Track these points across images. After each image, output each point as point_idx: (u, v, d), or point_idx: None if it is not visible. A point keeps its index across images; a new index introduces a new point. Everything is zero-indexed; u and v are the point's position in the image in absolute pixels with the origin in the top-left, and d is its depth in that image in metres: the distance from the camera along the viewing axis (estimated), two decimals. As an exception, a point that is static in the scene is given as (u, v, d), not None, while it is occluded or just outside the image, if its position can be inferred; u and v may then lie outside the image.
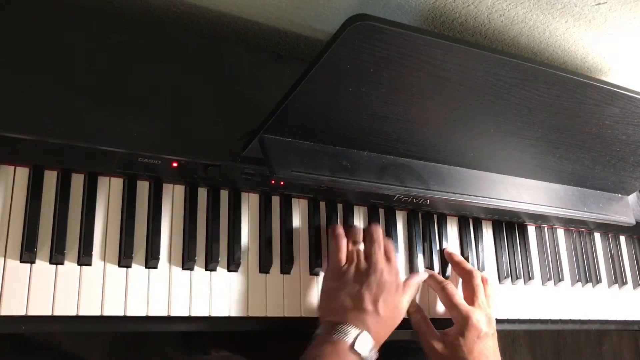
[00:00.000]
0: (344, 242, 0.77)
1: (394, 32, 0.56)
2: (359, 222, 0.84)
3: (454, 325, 0.79)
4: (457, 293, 0.81)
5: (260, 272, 0.74)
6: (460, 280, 0.86)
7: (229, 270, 0.72)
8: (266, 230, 0.76)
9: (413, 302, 0.82)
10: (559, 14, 0.80)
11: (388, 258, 0.76)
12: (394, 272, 0.75)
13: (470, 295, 0.81)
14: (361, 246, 0.78)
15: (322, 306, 0.74)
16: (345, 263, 0.75)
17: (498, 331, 0.81)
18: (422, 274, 0.82)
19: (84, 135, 0.62)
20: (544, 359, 1.93)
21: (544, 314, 0.95)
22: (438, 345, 0.78)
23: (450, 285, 0.81)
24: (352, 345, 0.66)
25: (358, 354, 0.66)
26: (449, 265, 0.88)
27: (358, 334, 0.67)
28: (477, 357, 0.76)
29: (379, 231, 0.78)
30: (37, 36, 0.66)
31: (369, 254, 0.75)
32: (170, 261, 0.69)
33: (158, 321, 0.67)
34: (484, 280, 0.84)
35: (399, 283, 0.75)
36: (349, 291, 0.71)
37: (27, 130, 0.60)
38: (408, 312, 0.80)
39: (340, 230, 0.78)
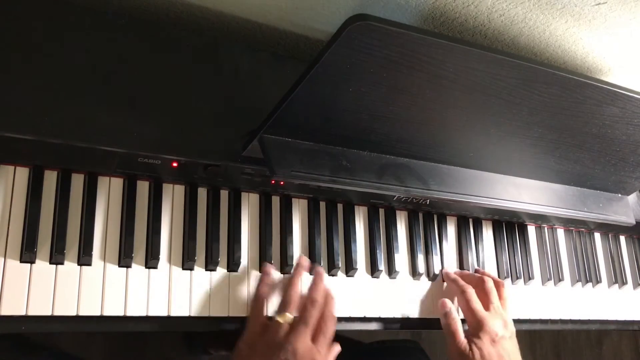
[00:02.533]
0: (264, 305, 0.71)
1: (394, 32, 0.56)
2: (359, 222, 0.84)
3: (470, 331, 0.80)
4: (475, 298, 0.81)
5: (261, 272, 0.74)
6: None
7: (228, 270, 0.72)
8: (266, 230, 0.76)
9: (443, 302, 0.81)
10: (559, 14, 0.80)
11: (315, 339, 0.68)
12: (315, 356, 0.67)
13: (485, 301, 0.82)
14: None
15: None
16: (267, 328, 0.68)
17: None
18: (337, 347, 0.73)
19: (84, 135, 0.62)
20: (544, 359, 1.93)
21: (544, 314, 0.95)
22: (457, 349, 0.78)
23: (470, 290, 0.82)
24: None
25: None
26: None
27: None
28: None
29: (317, 308, 0.70)
30: (37, 36, 0.66)
31: (293, 326, 0.68)
32: (170, 261, 0.69)
33: (158, 321, 0.67)
34: (497, 284, 0.84)
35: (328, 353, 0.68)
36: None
37: (27, 130, 0.60)
38: (441, 320, 0.81)
39: (264, 286, 0.72)
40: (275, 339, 0.66)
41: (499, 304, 0.82)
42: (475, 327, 0.79)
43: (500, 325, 0.79)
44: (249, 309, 0.71)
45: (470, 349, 0.77)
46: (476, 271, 0.89)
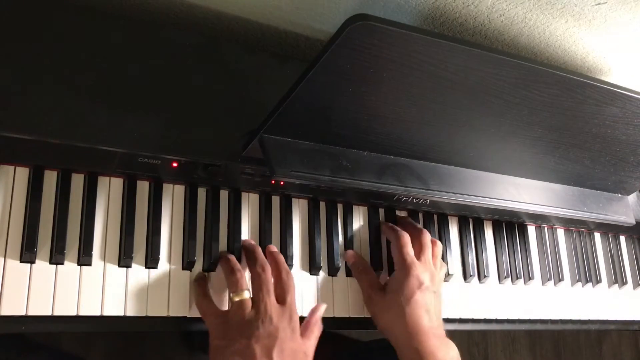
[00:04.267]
0: (209, 299, 0.68)
1: (394, 32, 0.56)
2: (359, 222, 0.84)
3: (395, 273, 0.78)
4: (410, 245, 0.79)
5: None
6: None
7: (229, 270, 0.72)
8: (266, 230, 0.76)
9: (350, 252, 0.81)
10: (559, 14, 0.80)
11: (282, 299, 0.68)
12: (288, 316, 0.66)
13: (418, 251, 0.80)
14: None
15: None
16: (226, 314, 0.67)
17: (498, 331, 0.81)
18: (323, 306, 0.73)
19: (84, 135, 0.62)
20: (544, 359, 1.94)
21: (544, 314, 0.95)
22: (377, 293, 0.77)
23: (407, 237, 0.80)
24: None
25: None
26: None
27: None
28: (414, 307, 0.74)
29: (267, 271, 0.69)
30: (37, 36, 0.66)
31: (255, 299, 0.67)
32: (170, 261, 0.69)
33: (158, 321, 0.67)
34: (433, 242, 0.82)
35: (295, 327, 0.67)
36: (237, 349, 0.63)
37: (27, 130, 0.60)
38: (348, 263, 0.80)
39: (200, 282, 0.69)
40: (245, 318, 0.65)
41: (430, 258, 0.80)
42: (402, 270, 0.77)
43: (428, 277, 0.77)
44: (199, 310, 0.68)
45: (394, 290, 0.76)
46: (412, 224, 0.86)
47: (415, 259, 0.78)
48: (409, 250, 0.79)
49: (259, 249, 0.72)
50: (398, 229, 0.82)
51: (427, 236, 0.82)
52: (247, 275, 0.70)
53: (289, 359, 0.64)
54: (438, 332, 0.74)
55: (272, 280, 0.69)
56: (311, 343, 0.69)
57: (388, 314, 0.76)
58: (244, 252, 0.73)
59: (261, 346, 0.63)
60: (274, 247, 0.75)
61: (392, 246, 0.81)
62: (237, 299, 0.66)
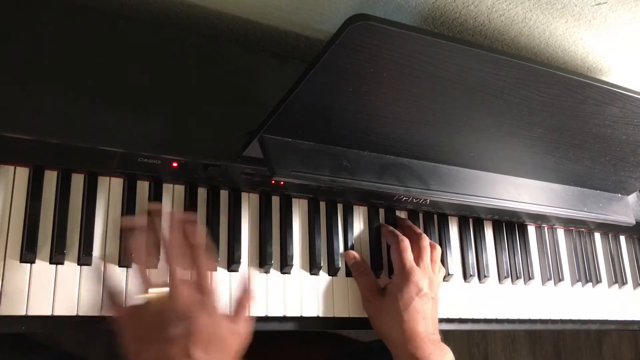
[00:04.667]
0: (121, 299, 0.63)
1: (394, 32, 0.56)
2: (359, 222, 0.84)
3: (394, 278, 0.79)
4: (410, 250, 0.80)
5: (260, 272, 0.74)
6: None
7: (229, 270, 0.72)
8: (266, 230, 0.76)
9: (350, 253, 0.80)
10: (559, 14, 0.80)
11: (201, 288, 0.60)
12: (206, 304, 0.60)
13: (417, 256, 0.80)
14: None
15: None
16: (139, 314, 0.60)
17: (498, 331, 0.81)
18: (251, 276, 0.71)
19: (84, 135, 0.62)
20: (544, 359, 1.94)
21: (544, 314, 0.95)
22: (375, 296, 0.77)
23: (407, 242, 0.80)
24: None
25: None
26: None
27: None
28: (411, 313, 0.74)
29: (177, 259, 0.61)
30: (37, 36, 0.66)
31: (171, 294, 0.60)
32: (170, 261, 0.69)
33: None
34: (432, 246, 0.82)
35: (215, 312, 0.60)
36: (152, 354, 0.57)
37: (27, 130, 0.60)
38: (348, 263, 0.80)
39: (110, 286, 0.63)
40: (158, 316, 0.58)
41: (429, 264, 0.80)
42: (401, 276, 0.77)
43: (426, 283, 0.77)
44: (110, 312, 0.62)
45: (392, 295, 0.76)
46: (412, 228, 0.86)
47: (414, 265, 0.78)
48: (409, 255, 0.79)
49: (174, 234, 0.63)
50: (398, 233, 0.82)
51: (426, 240, 0.82)
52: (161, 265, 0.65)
53: (214, 348, 0.58)
54: (434, 337, 0.75)
55: (184, 264, 0.61)
56: (243, 321, 0.63)
57: (385, 318, 0.76)
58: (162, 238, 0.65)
59: (178, 346, 0.56)
60: (181, 214, 0.67)
61: (392, 251, 0.81)
62: (148, 296, 0.60)
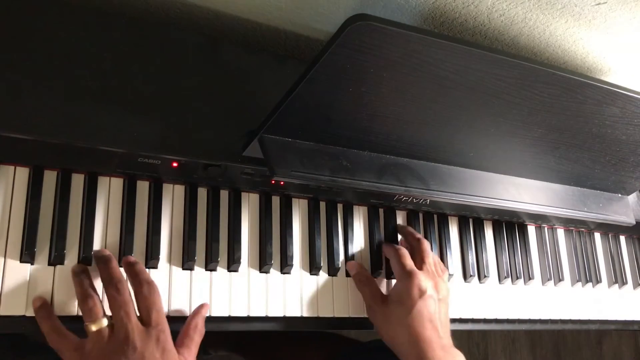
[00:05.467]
0: (62, 330, 0.60)
1: (394, 32, 0.56)
2: (359, 222, 0.84)
3: (396, 283, 0.77)
4: (408, 256, 0.78)
5: (260, 272, 0.74)
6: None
7: (229, 270, 0.72)
8: (266, 230, 0.76)
9: (352, 263, 0.79)
10: (559, 14, 0.80)
11: (146, 319, 0.60)
12: (154, 338, 0.59)
13: (419, 261, 0.79)
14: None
15: None
16: (85, 347, 0.59)
17: (498, 331, 0.81)
18: (204, 308, 0.68)
19: (84, 135, 0.62)
20: (544, 359, 1.94)
21: (544, 314, 0.95)
22: (379, 305, 0.76)
23: (403, 249, 0.79)
24: None
25: None
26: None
27: None
28: (416, 317, 0.72)
29: (123, 290, 0.60)
30: (37, 36, 0.66)
31: (114, 326, 0.59)
32: (170, 261, 0.69)
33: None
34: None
35: (165, 346, 0.59)
36: None
37: (27, 130, 0.60)
38: (350, 273, 0.79)
39: (44, 314, 0.60)
40: (104, 350, 0.57)
41: (432, 266, 0.79)
42: (403, 280, 0.75)
43: (430, 285, 0.75)
44: (52, 343, 0.60)
45: (395, 301, 0.74)
46: (412, 234, 0.85)
47: (415, 268, 0.76)
48: (408, 260, 0.78)
49: (113, 262, 0.63)
50: (395, 245, 0.81)
51: (427, 244, 0.81)
52: None
53: None
54: (443, 342, 0.72)
55: (130, 300, 0.61)
56: (191, 351, 0.64)
57: (390, 325, 0.74)
58: (97, 266, 0.63)
59: None
60: (132, 258, 0.66)
61: (391, 262, 0.80)
62: (93, 328, 0.59)
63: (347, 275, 0.81)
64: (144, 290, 0.62)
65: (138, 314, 0.61)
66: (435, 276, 0.78)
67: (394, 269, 0.79)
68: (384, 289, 0.81)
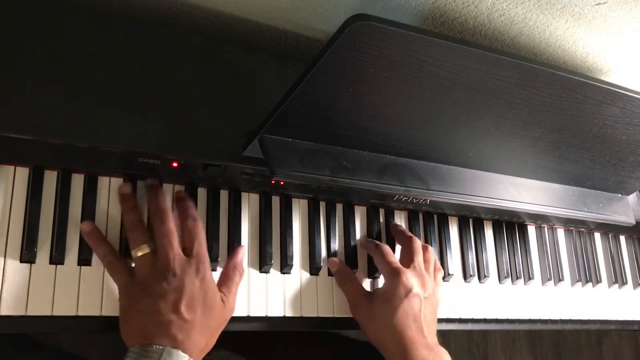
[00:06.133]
0: (117, 259, 0.64)
1: (394, 32, 0.56)
2: (359, 222, 0.84)
3: (383, 284, 0.76)
4: (391, 253, 0.78)
5: (260, 272, 0.74)
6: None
7: (229, 270, 0.72)
8: (266, 230, 0.76)
9: (333, 260, 0.78)
10: (559, 14, 0.80)
11: (189, 250, 0.64)
12: (194, 267, 0.63)
13: (408, 259, 0.78)
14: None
15: (122, 331, 0.62)
16: (132, 272, 0.63)
17: (498, 331, 0.81)
18: (242, 249, 0.72)
19: (84, 135, 0.62)
20: (544, 359, 1.94)
21: (544, 314, 0.95)
22: (363, 302, 0.75)
23: (385, 246, 0.78)
24: None
25: None
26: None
27: (162, 353, 0.57)
28: (400, 317, 0.71)
29: (167, 220, 0.64)
30: (37, 36, 0.66)
31: (157, 253, 0.63)
32: (170, 261, 0.69)
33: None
34: (424, 248, 0.81)
35: (205, 277, 0.63)
36: (141, 307, 0.60)
37: (27, 130, 0.60)
38: (331, 270, 0.78)
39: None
40: (147, 274, 0.62)
41: (421, 264, 0.77)
42: (388, 278, 0.74)
43: (417, 283, 0.74)
44: (108, 266, 0.64)
45: (380, 301, 0.73)
46: (402, 232, 0.84)
47: (400, 266, 0.75)
48: (392, 258, 0.77)
49: (160, 196, 0.67)
50: (375, 241, 0.80)
51: (417, 242, 0.80)
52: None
53: (200, 310, 0.61)
54: (428, 341, 0.72)
55: (174, 230, 0.64)
56: (230, 290, 0.67)
57: (375, 324, 0.74)
58: (145, 195, 0.68)
59: (166, 302, 0.59)
60: (182, 193, 0.70)
61: (375, 259, 0.79)
62: (138, 254, 0.63)
63: (347, 275, 0.80)
64: (189, 223, 0.66)
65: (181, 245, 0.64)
66: (422, 275, 0.76)
67: (378, 266, 0.78)
68: (367, 287, 0.81)
